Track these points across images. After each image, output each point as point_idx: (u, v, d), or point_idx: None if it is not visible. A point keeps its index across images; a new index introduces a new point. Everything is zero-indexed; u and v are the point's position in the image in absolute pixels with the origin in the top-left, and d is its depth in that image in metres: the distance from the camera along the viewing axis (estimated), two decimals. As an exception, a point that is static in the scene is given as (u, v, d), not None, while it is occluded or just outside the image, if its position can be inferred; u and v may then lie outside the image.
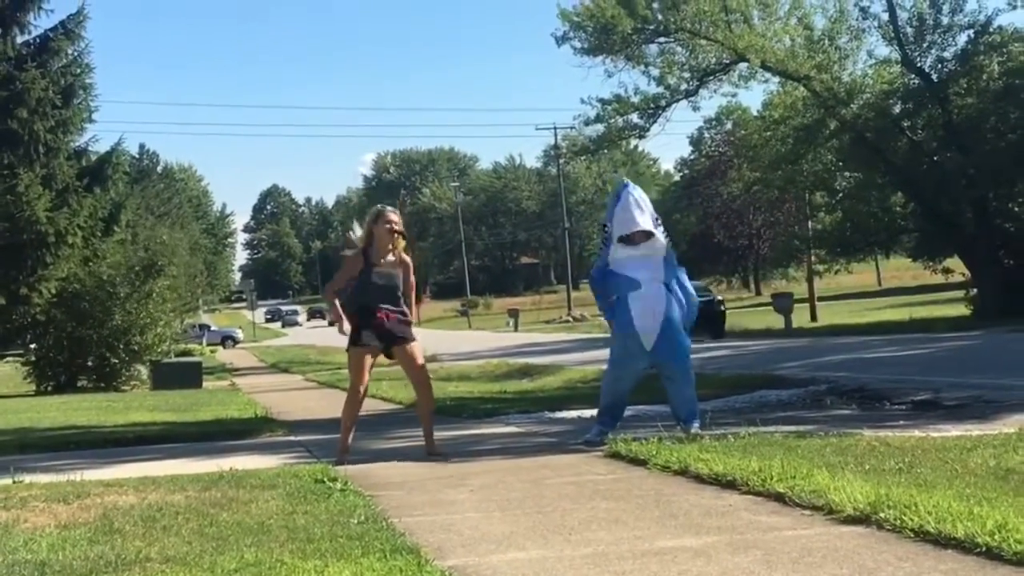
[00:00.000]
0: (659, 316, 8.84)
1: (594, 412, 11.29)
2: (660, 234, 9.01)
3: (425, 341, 9.45)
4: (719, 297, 39.96)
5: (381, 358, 8.97)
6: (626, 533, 5.07)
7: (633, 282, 8.87)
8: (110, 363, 29.67)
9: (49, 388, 29.23)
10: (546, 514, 5.70)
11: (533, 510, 5.85)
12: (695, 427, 8.80)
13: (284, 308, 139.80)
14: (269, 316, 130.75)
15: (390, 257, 8.74)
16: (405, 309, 8.79)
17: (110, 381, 29.45)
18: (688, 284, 9.23)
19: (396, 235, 8.75)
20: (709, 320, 33.30)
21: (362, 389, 8.85)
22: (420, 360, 8.95)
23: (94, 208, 30.45)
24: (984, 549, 4.22)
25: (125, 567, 4.71)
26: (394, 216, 8.83)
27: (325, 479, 7.02)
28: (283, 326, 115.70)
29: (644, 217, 8.93)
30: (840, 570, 4.15)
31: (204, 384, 27.86)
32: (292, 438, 11.26)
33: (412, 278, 8.90)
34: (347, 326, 8.78)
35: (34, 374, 30.25)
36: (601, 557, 4.59)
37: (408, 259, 8.88)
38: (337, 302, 8.93)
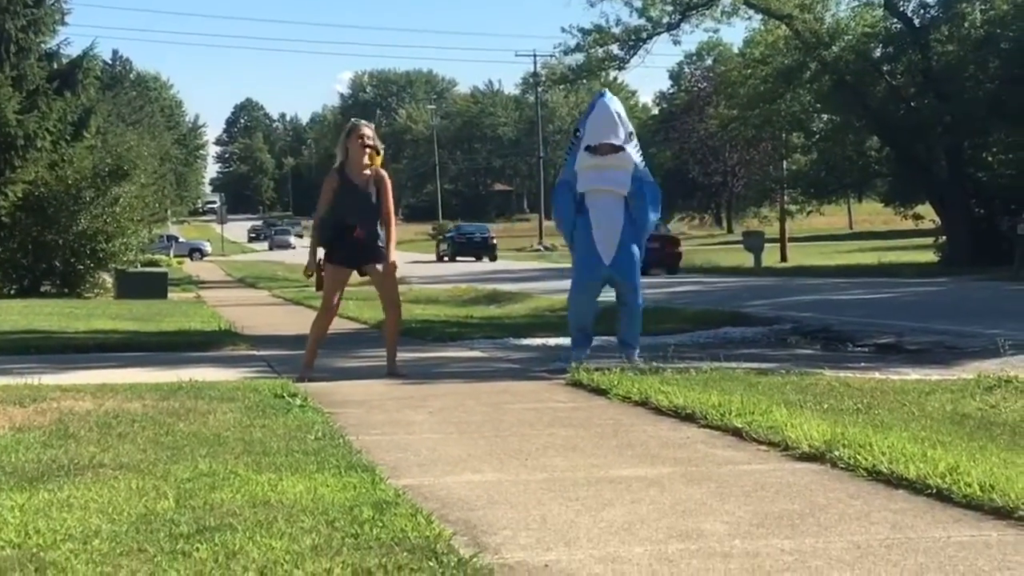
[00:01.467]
0: (617, 231, 8.92)
1: (559, 340, 11.37)
2: (632, 148, 9.02)
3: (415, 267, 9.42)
4: (674, 232, 40.35)
5: (355, 276, 8.94)
6: (582, 460, 5.08)
7: (595, 195, 8.93)
8: (75, 269, 29.48)
9: (12, 292, 29.01)
10: (504, 438, 5.71)
11: (491, 434, 5.85)
12: (635, 355, 9.04)
13: (274, 226, 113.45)
14: (254, 235, 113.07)
15: (366, 172, 8.65)
16: (379, 232, 8.70)
17: (74, 287, 29.27)
18: (654, 201, 9.25)
19: (370, 150, 8.65)
20: (665, 256, 33.71)
21: (333, 306, 8.82)
22: (392, 283, 8.91)
23: (64, 112, 30.05)
24: (935, 491, 4.25)
25: (78, 471, 4.68)
26: (368, 131, 8.71)
27: (285, 394, 7.01)
28: (271, 248, 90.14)
29: (616, 130, 8.91)
30: (792, 505, 4.17)
31: (169, 295, 27.71)
32: (254, 352, 11.22)
33: (390, 195, 8.79)
34: (309, 268, 8.79)
35: (-3, 277, 30.03)
36: (556, 482, 4.60)
37: (385, 175, 8.79)
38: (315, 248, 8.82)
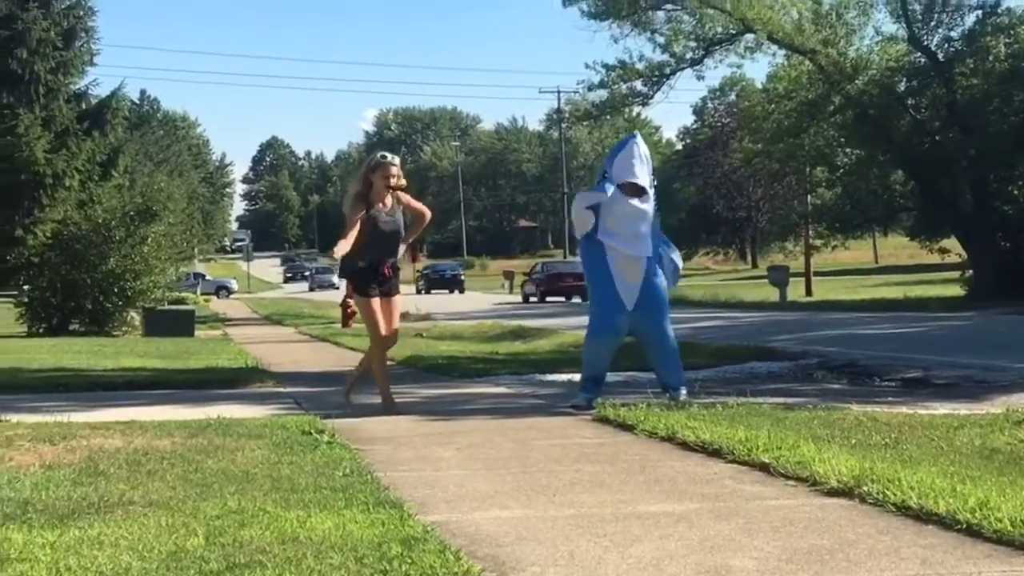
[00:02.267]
0: (639, 278, 8.81)
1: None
2: (650, 196, 8.95)
3: (420, 300, 9.52)
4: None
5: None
6: (610, 496, 5.08)
7: (611, 233, 8.82)
8: (103, 307, 29.64)
9: (41, 330, 29.20)
10: (531, 474, 5.71)
11: (518, 470, 5.86)
12: (683, 394, 8.79)
13: (311, 264, 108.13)
14: (290, 274, 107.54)
15: (389, 203, 8.69)
16: (398, 262, 8.86)
17: (102, 325, 29.43)
18: (673, 253, 9.20)
19: (393, 191, 8.68)
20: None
21: (384, 336, 8.84)
22: (398, 316, 9.02)
23: (92, 152, 30.40)
24: (965, 526, 4.23)
25: (108, 509, 4.71)
26: (394, 169, 8.67)
27: (312, 431, 7.03)
28: (312, 288, 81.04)
29: (642, 172, 8.85)
30: (820, 540, 4.16)
31: (196, 333, 27.84)
32: (281, 389, 11.25)
33: (421, 224, 9.07)
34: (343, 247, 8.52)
35: (27, 316, 30.22)
36: (584, 519, 4.60)
37: (422, 207, 9.01)
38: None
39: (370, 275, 8.71)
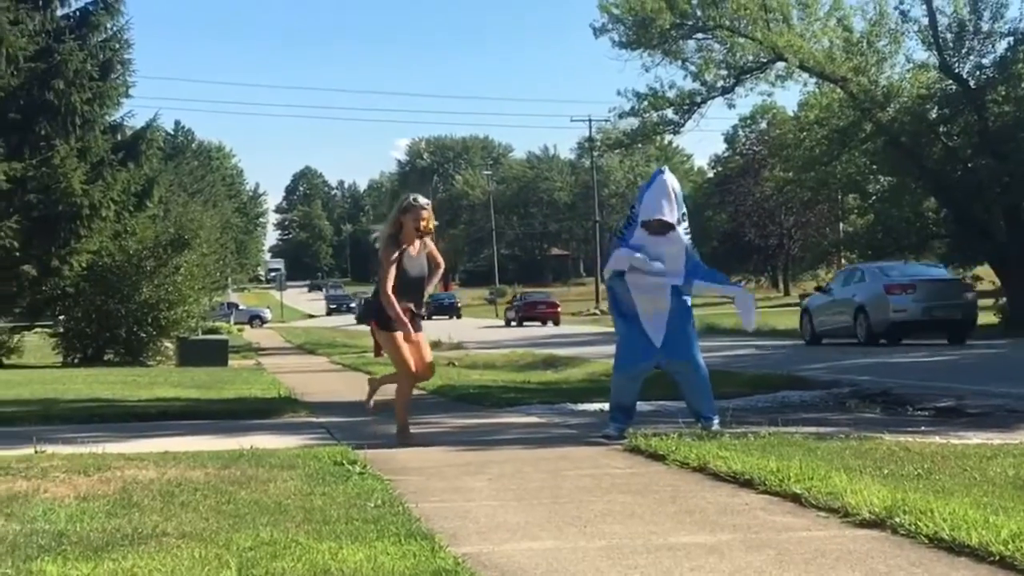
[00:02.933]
0: (665, 311, 8.82)
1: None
2: (682, 231, 8.93)
3: (452, 328, 9.57)
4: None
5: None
6: (641, 528, 5.08)
7: (641, 277, 8.84)
8: (137, 337, 29.89)
9: (76, 360, 29.45)
10: (562, 505, 5.72)
11: (549, 501, 5.87)
12: (715, 424, 8.79)
13: (353, 293, 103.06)
14: (334, 305, 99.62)
15: (418, 246, 8.78)
16: (423, 301, 9.00)
17: (137, 355, 29.66)
18: (711, 272, 9.26)
19: (423, 233, 8.77)
20: (548, 314, 55.39)
21: (414, 370, 8.89)
22: (428, 349, 9.13)
23: (128, 182, 30.63)
24: (998, 558, 4.21)
25: (142, 540, 4.75)
26: (425, 212, 8.72)
27: (344, 461, 7.06)
28: (359, 322, 67.34)
29: (670, 208, 8.83)
30: (852, 573, 4.15)
31: (230, 362, 27.99)
32: (314, 419, 11.30)
33: (437, 274, 9.05)
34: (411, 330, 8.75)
35: (62, 346, 30.50)
36: (615, 550, 4.60)
37: (439, 258, 9.02)
38: (396, 305, 8.65)
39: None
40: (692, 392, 9.08)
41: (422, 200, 8.85)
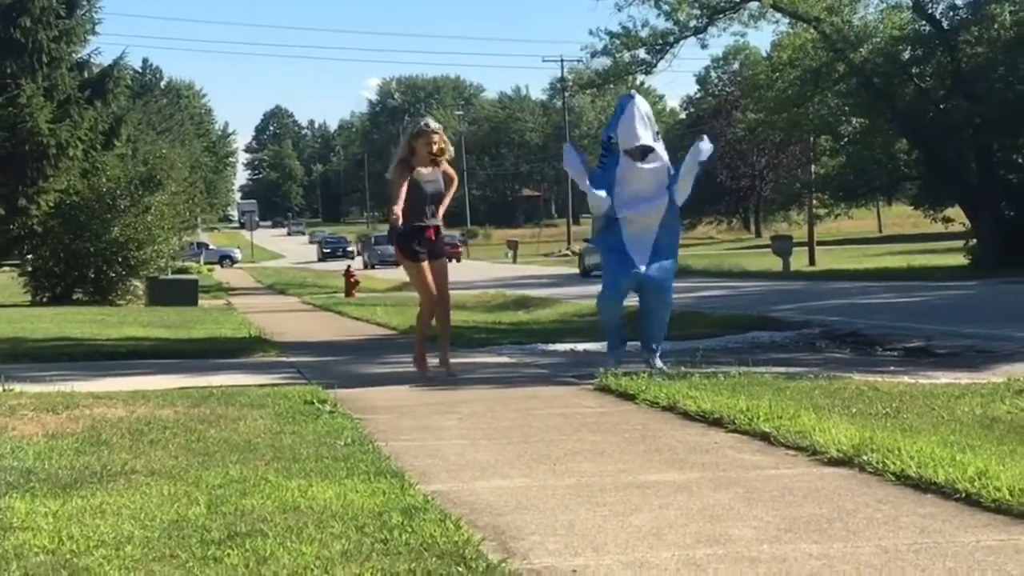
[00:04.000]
0: (651, 235, 8.94)
1: (587, 346, 11.44)
2: (660, 149, 9.00)
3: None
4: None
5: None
6: (610, 466, 5.10)
7: (629, 201, 8.91)
8: (107, 276, 29.72)
9: (45, 299, 29.29)
10: (532, 444, 5.73)
11: (519, 439, 5.87)
12: (658, 361, 9.01)
13: (354, 236, 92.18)
14: (328, 250, 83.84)
15: (433, 169, 8.98)
16: (441, 225, 9.14)
17: (106, 295, 29.50)
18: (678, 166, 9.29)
19: (437, 156, 8.94)
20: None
21: (435, 296, 9.05)
22: (447, 278, 9.28)
23: (95, 121, 30.28)
24: (964, 495, 4.24)
25: (111, 478, 4.74)
26: (436, 136, 8.95)
27: (314, 400, 7.04)
28: (370, 266, 61.23)
29: (646, 132, 8.89)
30: (819, 509, 4.18)
31: (200, 302, 27.92)
32: (284, 359, 11.27)
33: (452, 190, 9.21)
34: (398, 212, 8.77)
35: (30, 285, 30.31)
36: (584, 488, 4.61)
37: (454, 174, 9.24)
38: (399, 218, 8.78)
39: (415, 238, 8.94)
40: (650, 320, 9.27)
41: (433, 124, 9.09)
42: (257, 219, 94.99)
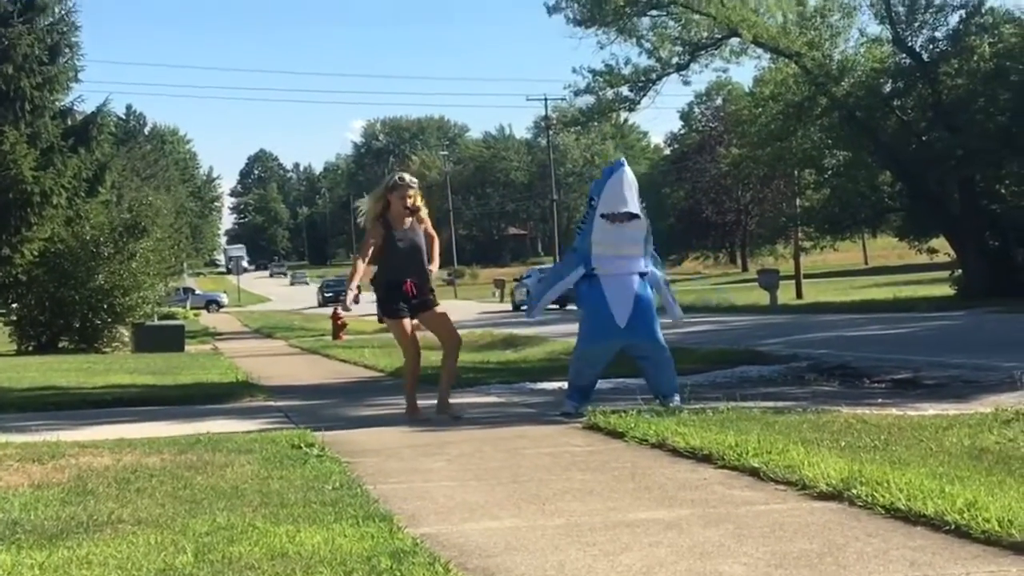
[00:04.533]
0: (631, 296, 8.84)
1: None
2: (643, 217, 8.99)
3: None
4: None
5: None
6: (600, 505, 5.08)
7: (609, 262, 8.87)
8: (92, 324, 29.63)
9: (30, 348, 29.18)
10: (521, 484, 5.70)
11: (509, 480, 5.85)
12: (676, 401, 8.81)
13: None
14: (330, 294, 72.89)
15: (408, 221, 8.97)
16: (430, 276, 9.11)
17: (92, 342, 29.41)
18: (657, 269, 9.28)
19: (411, 211, 8.95)
20: None
21: (415, 351, 9.09)
22: (448, 321, 9.26)
23: (79, 168, 30.29)
24: (953, 527, 4.24)
25: (97, 528, 4.70)
26: (411, 191, 8.96)
27: (302, 445, 7.01)
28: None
29: (632, 199, 8.88)
30: (810, 544, 4.16)
31: (186, 348, 27.85)
32: (271, 403, 11.23)
33: (435, 249, 9.19)
34: (350, 300, 9.08)
35: (16, 334, 30.20)
36: (574, 528, 4.59)
37: (433, 233, 9.18)
38: (356, 275, 9.07)
39: (394, 294, 8.95)
40: (655, 372, 9.10)
41: (408, 178, 9.15)
42: (245, 264, 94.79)
